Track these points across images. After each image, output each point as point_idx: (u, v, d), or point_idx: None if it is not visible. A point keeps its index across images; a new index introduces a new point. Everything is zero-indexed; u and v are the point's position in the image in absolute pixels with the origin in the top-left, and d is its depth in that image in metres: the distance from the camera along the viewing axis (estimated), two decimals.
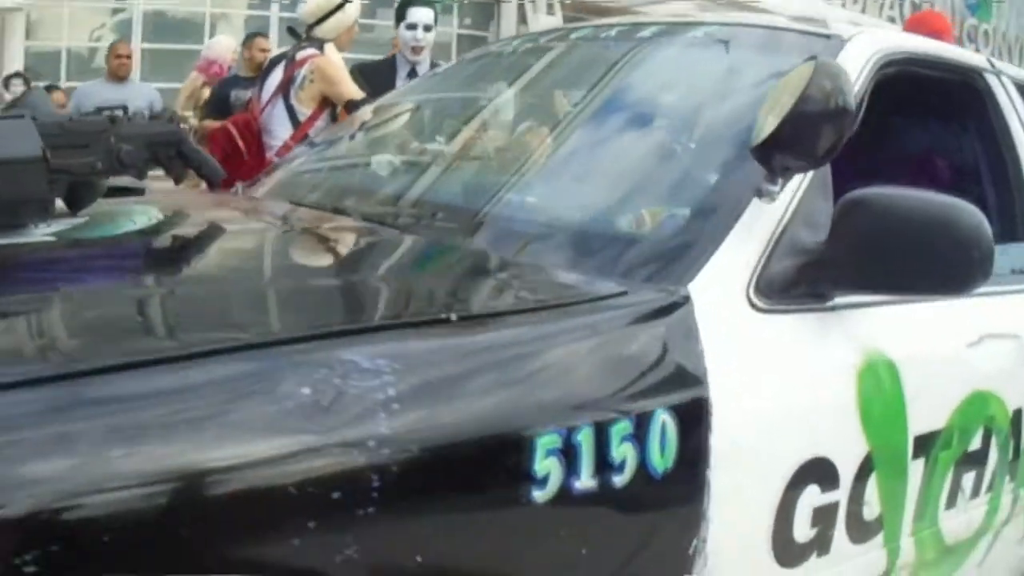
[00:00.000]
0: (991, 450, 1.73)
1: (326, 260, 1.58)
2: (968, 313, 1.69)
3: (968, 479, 1.70)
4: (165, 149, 1.50)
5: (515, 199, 1.59)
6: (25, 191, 1.30)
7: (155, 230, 1.53)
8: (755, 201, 1.36)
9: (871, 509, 1.45)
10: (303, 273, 1.41)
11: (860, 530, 1.44)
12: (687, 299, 1.24)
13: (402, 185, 1.82)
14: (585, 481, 1.07)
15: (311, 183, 2.01)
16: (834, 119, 1.26)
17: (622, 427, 1.10)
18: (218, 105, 4.61)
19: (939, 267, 1.33)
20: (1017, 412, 1.78)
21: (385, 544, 0.94)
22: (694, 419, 1.16)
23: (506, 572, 1.04)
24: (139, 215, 1.56)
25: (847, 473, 1.37)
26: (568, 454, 1.05)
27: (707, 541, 1.19)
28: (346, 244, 1.62)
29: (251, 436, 0.89)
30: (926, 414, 1.52)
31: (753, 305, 1.30)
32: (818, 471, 1.32)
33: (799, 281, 1.35)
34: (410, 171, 1.88)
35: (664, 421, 1.13)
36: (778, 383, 1.29)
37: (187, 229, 1.62)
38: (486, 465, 1.02)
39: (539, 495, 1.03)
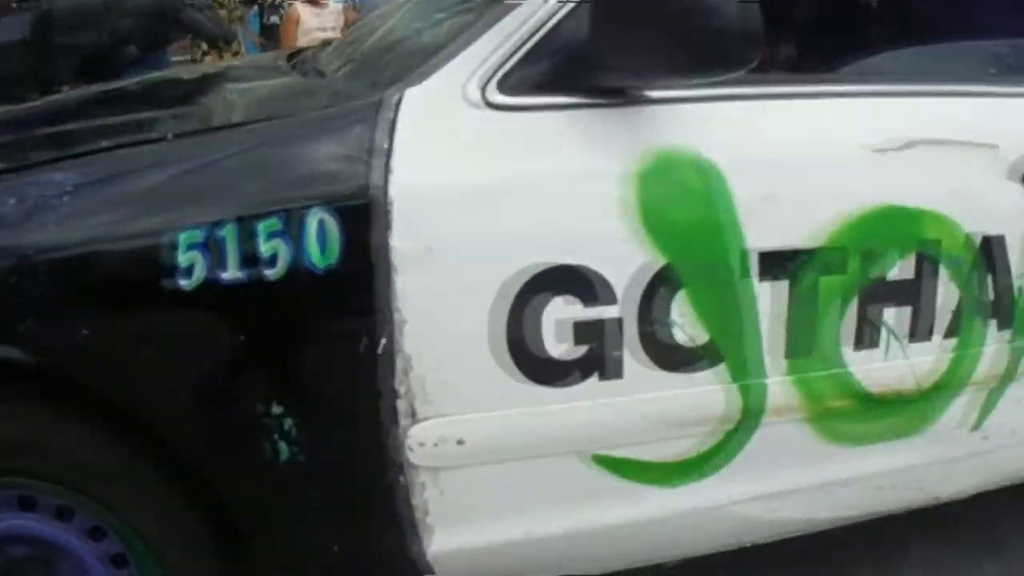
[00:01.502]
0: (941, 284, 1.39)
1: (166, 104, 1.72)
2: (888, 113, 1.38)
3: (898, 317, 1.38)
4: (160, 19, 1.80)
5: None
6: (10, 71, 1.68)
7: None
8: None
9: (687, 334, 1.27)
10: (125, 111, 1.61)
11: (672, 357, 1.27)
12: (397, 101, 1.21)
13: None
14: (233, 273, 1.13)
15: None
16: None
17: (270, 224, 1.14)
18: None
19: (690, 43, 1.14)
20: (989, 240, 1.40)
21: (53, 320, 1.12)
22: (364, 217, 1.15)
23: (167, 353, 1.15)
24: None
25: (627, 288, 1.23)
26: (211, 247, 1.13)
27: (402, 344, 1.17)
28: (221, 89, 1.74)
29: None
30: (779, 228, 1.29)
31: (490, 104, 1.22)
32: (568, 282, 1.21)
33: (563, 76, 1.24)
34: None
35: (322, 219, 1.14)
36: (504, 184, 1.21)
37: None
38: (137, 258, 1.14)
39: (186, 283, 1.13)
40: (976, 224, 1.40)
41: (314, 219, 1.15)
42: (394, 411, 1.20)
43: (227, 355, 1.17)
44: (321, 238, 1.15)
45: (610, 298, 1.23)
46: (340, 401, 1.20)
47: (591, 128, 1.24)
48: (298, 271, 1.14)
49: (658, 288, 1.24)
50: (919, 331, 1.40)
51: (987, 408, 1.51)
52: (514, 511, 1.29)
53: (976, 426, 1.52)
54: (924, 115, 1.41)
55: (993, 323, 1.46)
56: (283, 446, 1.20)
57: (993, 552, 1.89)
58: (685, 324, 1.27)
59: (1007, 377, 1.50)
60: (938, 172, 1.38)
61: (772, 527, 1.46)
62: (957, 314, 1.42)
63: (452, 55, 1.25)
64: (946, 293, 1.41)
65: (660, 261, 1.24)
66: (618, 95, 1.25)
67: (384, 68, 1.35)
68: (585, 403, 1.26)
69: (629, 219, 1.22)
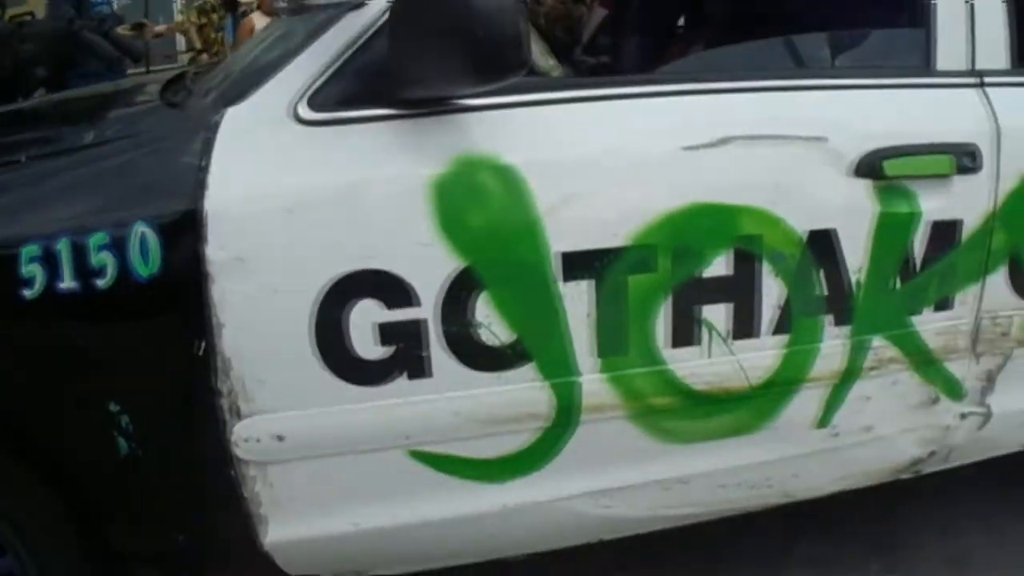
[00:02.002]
0: (764, 281, 1.41)
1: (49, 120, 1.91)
2: (704, 111, 1.42)
3: (719, 314, 1.41)
4: (62, 42, 1.99)
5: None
6: None
7: None
8: (347, 16, 1.38)
9: (493, 334, 1.33)
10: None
11: (480, 356, 1.34)
12: (216, 121, 1.32)
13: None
14: (68, 283, 1.27)
15: None
16: None
17: (99, 238, 1.27)
18: None
19: (465, 53, 1.22)
20: (818, 235, 1.41)
21: None
22: (181, 231, 1.27)
23: (22, 358, 1.29)
24: None
25: (429, 291, 1.31)
26: (49, 260, 1.27)
27: (221, 347, 1.28)
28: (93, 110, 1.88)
29: None
30: (582, 229, 1.34)
31: (300, 120, 1.32)
32: (372, 286, 1.29)
33: (370, 91, 1.33)
34: None
35: (143, 232, 1.27)
36: (312, 195, 1.30)
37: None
38: None
39: (29, 293, 1.27)
40: (802, 219, 1.42)
41: (137, 233, 1.28)
42: (219, 409, 1.31)
43: (70, 358, 1.31)
44: (143, 250, 1.28)
45: (414, 301, 1.31)
46: (169, 400, 1.32)
47: (393, 138, 1.33)
48: (125, 281, 1.27)
49: (460, 290, 1.32)
50: (744, 328, 1.43)
51: (832, 405, 1.52)
52: (342, 504, 1.38)
53: (823, 423, 1.52)
54: (744, 111, 1.44)
55: (829, 319, 1.47)
56: (122, 441, 1.32)
57: (881, 551, 1.88)
58: (490, 325, 1.34)
59: (851, 373, 1.51)
60: (758, 168, 1.40)
61: (609, 524, 1.50)
62: (786, 310, 1.44)
63: (269, 76, 1.36)
64: (771, 289, 1.43)
65: (460, 264, 1.31)
66: (422, 105, 1.33)
67: (226, 90, 1.47)
68: (397, 401, 1.34)
69: (428, 224, 1.30)
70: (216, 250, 1.27)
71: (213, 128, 1.32)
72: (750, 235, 1.40)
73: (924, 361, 1.56)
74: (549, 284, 1.34)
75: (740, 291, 1.41)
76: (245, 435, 1.32)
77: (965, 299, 1.56)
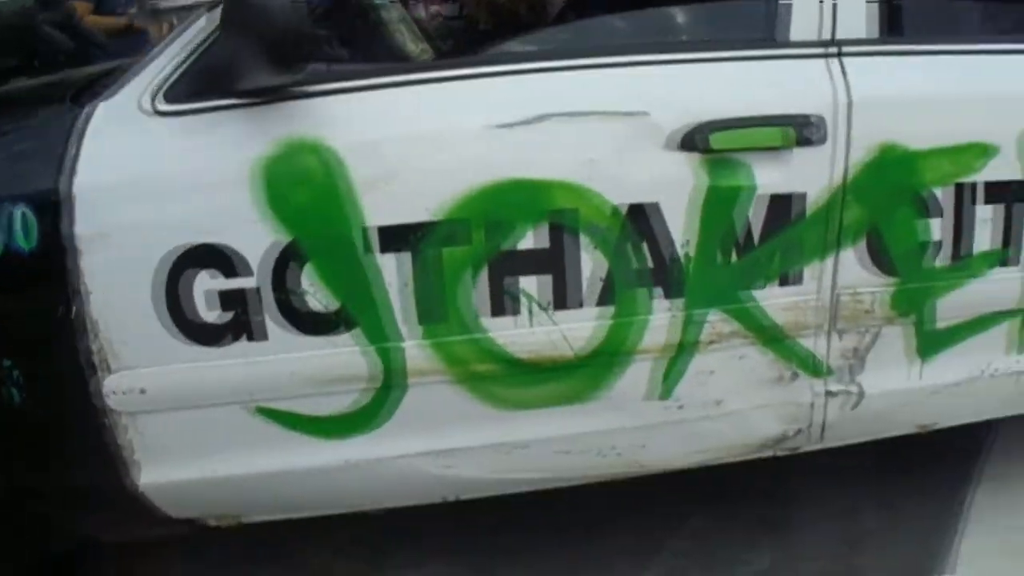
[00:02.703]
0: (584, 254, 1.46)
1: None
2: (521, 92, 1.46)
3: (538, 286, 1.47)
4: (20, 33, 2.21)
5: None
6: None
7: None
8: (204, 16, 1.53)
9: (319, 302, 1.45)
10: None
11: (309, 322, 1.47)
12: (89, 113, 1.50)
13: None
14: None
15: None
16: None
17: None
18: None
19: (259, 49, 1.34)
20: (640, 208, 1.43)
21: None
22: (55, 211, 1.46)
23: None
24: None
25: (259, 262, 1.44)
26: None
27: (89, 311, 1.47)
28: None
29: None
30: (395, 205, 1.44)
31: (157, 111, 1.49)
32: (211, 257, 1.45)
33: (215, 83, 1.47)
34: None
35: (24, 212, 1.47)
36: (157, 179, 1.46)
37: None
38: None
39: None
40: (621, 193, 1.46)
41: (19, 212, 1.49)
42: (93, 365, 1.50)
43: None
44: (25, 228, 1.49)
45: (247, 271, 1.45)
46: (51, 357, 1.53)
47: (230, 125, 1.46)
48: (11, 253, 1.49)
49: (288, 262, 1.45)
50: (565, 300, 1.48)
51: (671, 377, 1.54)
52: (201, 453, 1.54)
53: (664, 395, 1.54)
54: (563, 89, 1.48)
55: (658, 292, 1.49)
56: (15, 392, 1.54)
57: (771, 530, 1.86)
58: (316, 293, 1.46)
59: (686, 346, 1.52)
60: (574, 143, 1.45)
61: (453, 484, 1.60)
62: (609, 283, 1.48)
63: (136, 73, 1.54)
64: (592, 262, 1.47)
65: (287, 238, 1.44)
66: (255, 95, 1.45)
67: (104, 86, 1.63)
68: (239, 361, 1.48)
69: (258, 202, 1.44)
70: (83, 227, 1.46)
71: (86, 120, 1.51)
72: (565, 209, 1.45)
73: (773, 337, 1.55)
74: (368, 257, 1.45)
75: (558, 263, 1.46)
76: (114, 388, 1.50)
77: (816, 274, 1.53)
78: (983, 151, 1.56)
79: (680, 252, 1.48)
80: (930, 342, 1.64)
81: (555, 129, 1.44)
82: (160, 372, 1.50)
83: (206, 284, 1.46)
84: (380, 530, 1.88)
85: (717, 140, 1.45)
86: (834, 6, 1.55)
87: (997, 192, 1.58)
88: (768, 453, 1.70)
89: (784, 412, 1.63)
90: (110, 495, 1.59)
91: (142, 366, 1.50)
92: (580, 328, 1.49)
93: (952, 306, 1.63)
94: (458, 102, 1.48)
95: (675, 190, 1.46)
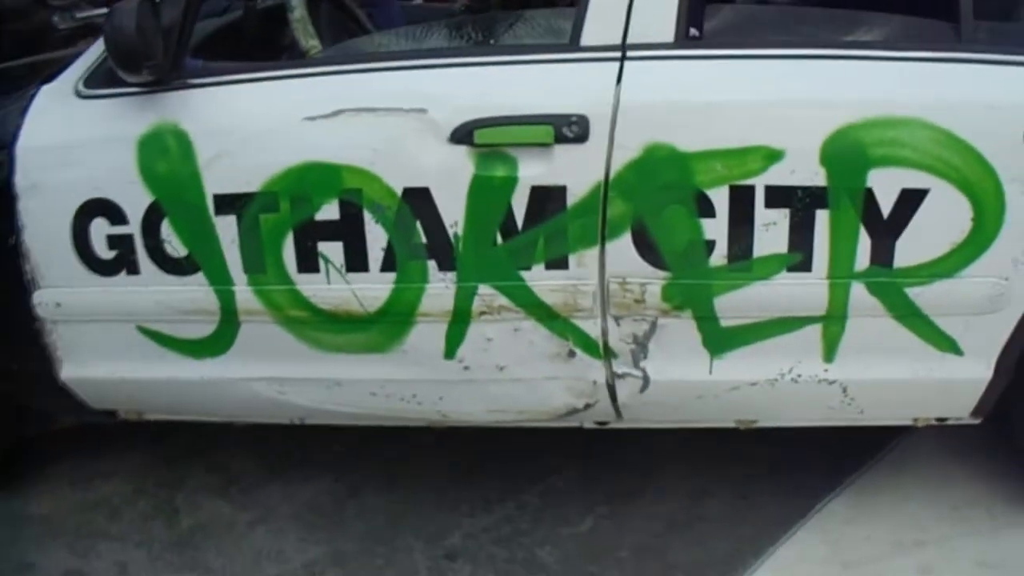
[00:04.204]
0: (367, 227, 1.71)
1: None
2: (326, 90, 1.71)
3: (333, 250, 1.73)
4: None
5: None
6: None
7: None
8: None
9: (175, 248, 1.81)
10: None
11: (170, 264, 1.83)
12: (34, 93, 1.92)
13: None
14: None
15: None
16: None
17: None
18: None
19: (114, 54, 1.70)
20: (414, 191, 1.66)
21: None
22: (8, 166, 1.89)
23: None
24: None
25: (134, 215, 1.81)
26: None
27: (25, 239, 1.90)
28: None
29: None
30: (227, 178, 1.75)
31: (79, 94, 1.88)
32: (104, 208, 1.83)
33: (113, 74, 1.82)
34: None
35: None
36: (72, 147, 1.85)
37: None
38: None
39: None
40: (398, 178, 1.68)
41: None
42: (29, 281, 1.94)
43: None
44: None
45: (125, 220, 1.83)
46: (3, 273, 1.98)
47: (124, 108, 1.83)
48: None
49: (152, 216, 1.81)
50: (354, 264, 1.73)
51: (453, 340, 1.76)
52: (104, 357, 1.96)
53: (448, 355, 1.76)
54: (359, 88, 1.71)
55: (432, 264, 1.70)
56: None
57: (611, 499, 2.05)
58: (171, 242, 1.81)
59: (461, 314, 1.73)
60: (362, 134, 1.68)
61: (287, 408, 1.92)
62: (389, 252, 1.72)
63: (72, 62, 1.94)
64: (376, 234, 1.71)
65: (152, 198, 1.80)
66: (140, 85, 1.80)
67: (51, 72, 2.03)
68: (123, 289, 1.87)
69: (134, 168, 1.80)
70: (22, 178, 1.89)
71: (31, 99, 1.93)
72: (352, 188, 1.69)
73: (546, 314, 1.71)
74: (207, 217, 1.77)
75: (349, 233, 1.72)
76: (39, 300, 1.94)
77: (582, 261, 1.67)
78: (766, 155, 1.61)
79: (450, 232, 1.68)
80: (716, 338, 1.72)
81: (346, 121, 1.69)
82: (70, 291, 1.92)
83: (100, 228, 1.85)
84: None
85: (482, 136, 1.63)
86: (628, 12, 1.65)
87: (783, 196, 1.63)
88: (574, 423, 1.87)
89: (572, 386, 1.79)
90: (48, 384, 2.05)
91: (59, 286, 1.92)
92: (369, 289, 1.74)
93: (735, 305, 1.69)
94: (280, 98, 1.76)
95: (445, 178, 1.66)
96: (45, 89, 1.93)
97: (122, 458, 2.30)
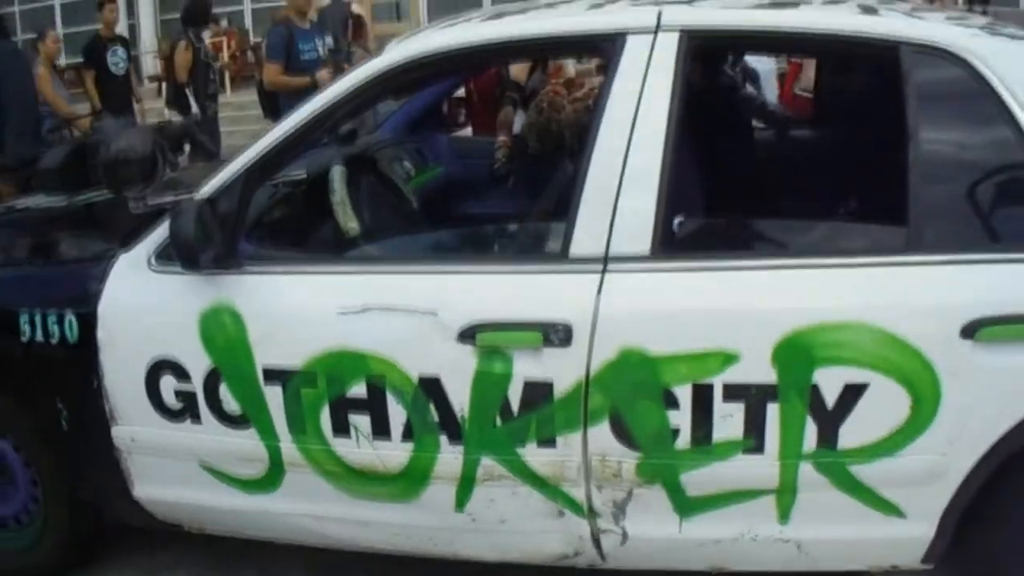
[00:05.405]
0: (390, 404, 2.04)
1: None
2: (356, 288, 2.04)
3: (360, 421, 2.07)
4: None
5: None
6: None
7: None
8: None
9: (230, 406, 2.16)
10: None
11: (226, 417, 2.18)
12: (111, 260, 2.28)
13: None
14: (40, 336, 2.33)
15: None
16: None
17: (52, 316, 2.31)
18: None
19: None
20: (428, 380, 1.99)
21: None
22: (88, 320, 2.27)
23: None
24: None
25: (197, 374, 2.17)
26: (33, 323, 2.34)
27: (105, 384, 2.27)
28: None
29: None
30: (274, 354, 2.08)
31: (151, 266, 2.23)
32: (172, 367, 2.19)
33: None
34: None
35: (71, 317, 2.28)
36: (144, 312, 2.21)
37: None
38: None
39: (22, 339, 2.36)
40: (415, 367, 2.01)
41: (68, 316, 2.30)
42: (107, 417, 2.30)
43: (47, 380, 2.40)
44: (70, 327, 2.29)
45: (190, 379, 2.17)
46: (87, 406, 2.34)
47: (188, 285, 2.17)
48: (65, 341, 2.31)
49: (212, 378, 2.16)
50: (379, 433, 2.05)
51: (462, 497, 2.08)
52: (171, 483, 2.32)
53: (458, 509, 2.08)
54: (383, 287, 2.03)
55: (444, 437, 2.02)
56: (64, 423, 2.38)
57: None
58: (228, 401, 2.15)
59: (468, 478, 2.05)
60: (385, 328, 2.01)
61: (327, 538, 2.26)
62: (408, 426, 2.04)
63: (147, 234, 2.28)
64: (397, 411, 2.04)
65: (212, 364, 2.14)
66: (201, 269, 2.13)
67: (125, 237, 2.38)
68: (188, 434, 2.23)
69: (197, 338, 2.15)
70: (102, 335, 2.25)
71: (111, 264, 2.29)
72: (377, 373, 2.02)
73: (538, 482, 2.02)
74: (257, 384, 2.11)
75: (374, 409, 2.04)
76: (116, 433, 2.30)
77: (568, 442, 1.97)
78: (724, 359, 1.88)
79: (458, 414, 2.00)
80: (684, 505, 2.01)
81: (372, 317, 2.01)
82: (143, 430, 2.28)
83: (168, 383, 2.21)
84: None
85: (482, 338, 1.94)
86: (610, 226, 1.92)
87: (738, 392, 1.90)
88: (568, 564, 2.17)
89: (563, 538, 2.09)
90: (125, 496, 2.42)
91: (133, 424, 2.29)
92: (391, 455, 2.07)
93: (698, 481, 1.98)
94: (318, 291, 2.09)
95: (453, 370, 1.98)
96: (124, 257, 2.28)
97: (186, 551, 2.68)
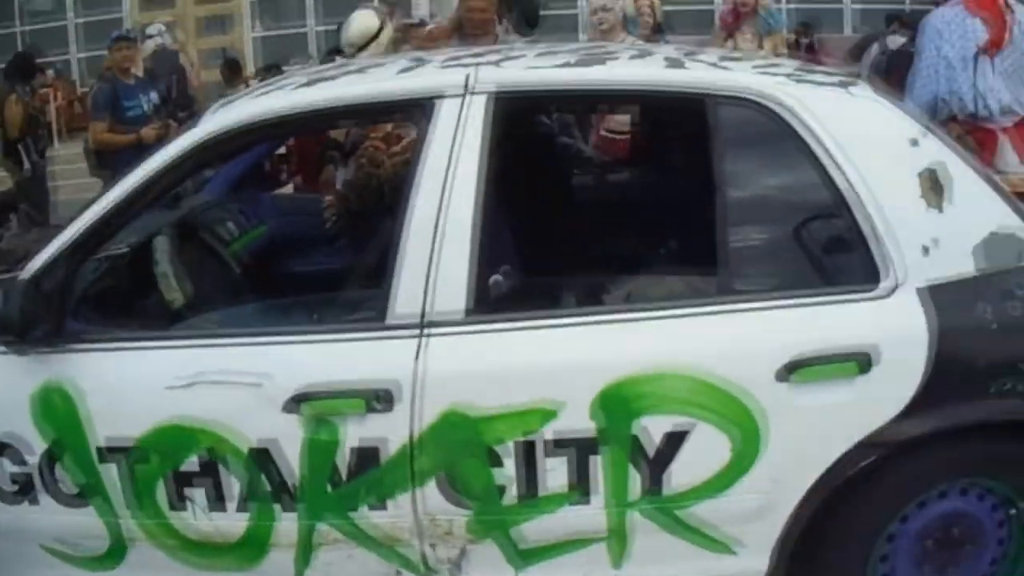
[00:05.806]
0: (223, 475, 2.05)
1: None
2: (183, 361, 2.04)
3: (196, 493, 2.07)
4: None
5: None
6: None
7: None
8: None
9: (67, 485, 2.13)
10: None
11: (63, 498, 2.15)
12: None
13: None
14: None
15: None
16: None
17: None
18: None
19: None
20: (259, 450, 2.00)
21: None
22: None
23: None
24: None
25: (29, 455, 2.14)
26: None
27: None
28: None
29: None
30: (107, 432, 2.08)
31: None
32: (9, 448, 2.15)
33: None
34: None
35: None
36: (22, 396, 2.10)
37: None
38: None
39: None
40: (245, 439, 2.01)
41: None
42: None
43: None
44: None
45: (25, 461, 2.13)
46: None
47: (19, 364, 2.13)
48: None
49: (49, 455, 2.12)
50: (215, 504, 2.06)
51: (301, 562, 2.09)
52: (16, 565, 2.26)
53: (299, 574, 2.08)
54: (204, 360, 2.04)
55: (278, 506, 2.04)
56: None
57: None
58: (66, 479, 2.13)
59: (306, 545, 2.06)
60: (212, 401, 2.02)
61: None
62: (244, 496, 2.04)
63: None
64: (231, 481, 2.04)
65: (46, 443, 2.12)
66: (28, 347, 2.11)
67: None
68: (25, 515, 2.18)
69: (30, 418, 2.12)
70: None
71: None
72: (209, 446, 2.02)
73: (373, 544, 2.04)
74: (93, 461, 2.10)
75: (209, 481, 2.04)
76: None
77: (398, 504, 2.00)
78: (544, 415, 1.93)
79: (290, 481, 2.02)
80: (517, 557, 2.05)
81: (199, 391, 2.02)
82: None
83: (4, 464, 2.18)
84: None
85: (307, 408, 1.96)
86: (426, 289, 1.96)
87: (561, 446, 1.95)
88: None
89: None
90: None
91: None
92: (228, 525, 2.08)
93: (528, 534, 2.02)
94: (144, 366, 2.09)
95: (283, 439, 2.00)
96: None
97: None
